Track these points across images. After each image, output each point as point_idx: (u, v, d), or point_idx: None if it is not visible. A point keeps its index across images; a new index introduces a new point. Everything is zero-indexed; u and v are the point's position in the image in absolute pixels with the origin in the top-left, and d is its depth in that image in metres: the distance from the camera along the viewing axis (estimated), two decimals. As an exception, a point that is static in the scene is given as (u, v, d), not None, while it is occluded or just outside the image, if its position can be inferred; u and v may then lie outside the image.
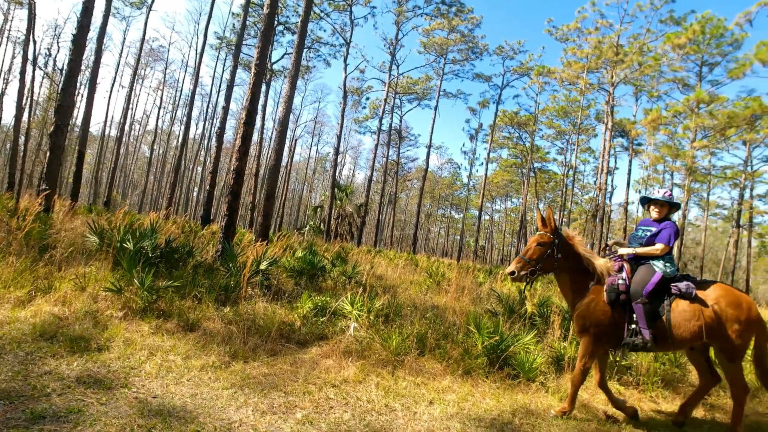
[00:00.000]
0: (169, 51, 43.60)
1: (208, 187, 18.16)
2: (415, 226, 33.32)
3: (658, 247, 3.94)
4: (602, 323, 3.86)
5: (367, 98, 38.66)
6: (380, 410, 3.59)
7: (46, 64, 32.56)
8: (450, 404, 3.91)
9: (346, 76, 29.26)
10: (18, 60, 29.89)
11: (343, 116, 29.13)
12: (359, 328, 5.16)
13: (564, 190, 34.58)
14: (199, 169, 42.14)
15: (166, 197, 25.50)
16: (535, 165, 37.64)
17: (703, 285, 3.92)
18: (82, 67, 16.03)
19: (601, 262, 4.01)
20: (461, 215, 50.29)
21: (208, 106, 40.36)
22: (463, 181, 51.92)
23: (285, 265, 7.33)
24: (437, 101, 33.20)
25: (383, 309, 5.68)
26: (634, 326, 3.77)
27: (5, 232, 6.47)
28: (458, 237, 50.57)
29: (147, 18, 28.93)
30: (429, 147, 33.33)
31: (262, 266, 6.43)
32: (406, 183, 48.47)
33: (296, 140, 44.29)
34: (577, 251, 4.05)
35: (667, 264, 3.93)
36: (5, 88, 36.01)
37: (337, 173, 28.71)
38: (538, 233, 4.08)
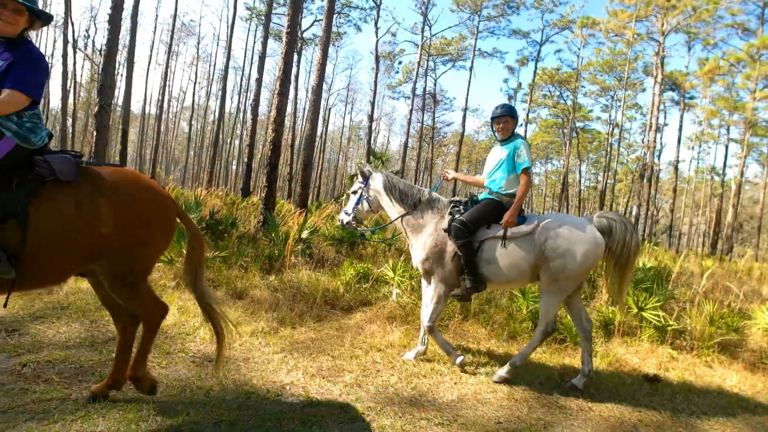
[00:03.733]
0: (200, 25, 44.03)
1: (246, 159, 18.50)
2: (453, 193, 32.98)
3: (15, 97, 2.16)
4: None
5: (400, 62, 37.77)
6: (426, 374, 3.62)
7: (85, 46, 33.46)
8: (496, 368, 3.91)
9: (377, 41, 28.61)
10: (59, 44, 30.90)
11: (375, 82, 28.68)
12: (402, 294, 5.19)
13: (608, 149, 33.05)
14: (237, 142, 42.94)
15: (206, 171, 26.33)
16: (578, 124, 35.97)
17: (96, 167, 2.41)
18: (120, 47, 16.40)
19: None
20: (499, 179, 49.12)
21: (242, 79, 40.69)
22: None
23: (325, 233, 7.42)
24: (472, 61, 32.00)
25: (425, 275, 5.67)
26: None
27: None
28: (496, 202, 49.60)
29: (178, -7, 29.05)
30: (465, 110, 32.41)
31: (304, 235, 6.53)
32: (443, 148, 47.65)
33: (330, 109, 44.18)
34: None
35: (28, 124, 2.25)
36: (50, 73, 37.44)
37: (371, 141, 28.52)
38: None
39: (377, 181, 4.03)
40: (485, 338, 4.60)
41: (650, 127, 25.48)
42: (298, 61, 27.95)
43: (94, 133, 12.57)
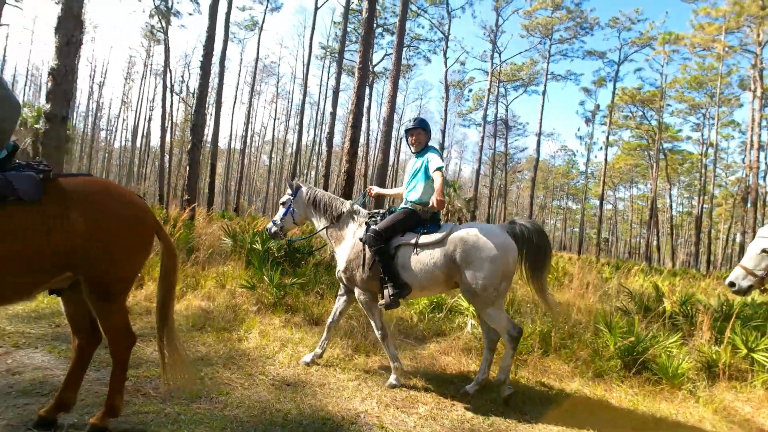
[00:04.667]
0: (279, 66, 47.14)
1: (322, 190, 19.23)
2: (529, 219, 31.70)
3: None
4: None
5: (470, 90, 37.93)
6: (505, 410, 3.45)
7: (180, 91, 37.28)
8: (583, 412, 3.63)
9: (446, 70, 29.02)
10: (159, 89, 34.66)
11: (446, 111, 28.93)
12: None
13: (703, 171, 30.31)
14: (313, 173, 44.92)
15: (285, 201, 27.68)
16: (665, 145, 33.51)
17: (66, 179, 2.30)
18: (209, 89, 18.02)
19: None
20: (579, 206, 46.83)
21: (317, 113, 42.91)
22: (579, 168, 48.20)
23: (398, 261, 7.45)
24: (545, 85, 31.39)
25: (501, 305, 5.47)
26: None
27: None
28: (577, 229, 47.19)
29: (259, 38, 31.57)
30: (539, 135, 31.62)
31: (377, 263, 6.60)
32: (516, 174, 46.47)
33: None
34: None
35: None
36: (151, 115, 42.03)
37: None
38: None
39: (304, 194, 4.23)
40: (569, 376, 4.30)
41: (751, 145, 23.15)
42: (370, 94, 29.04)
43: (187, 168, 13.79)
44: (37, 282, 2.20)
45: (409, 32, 28.92)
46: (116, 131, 51.33)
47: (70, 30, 6.89)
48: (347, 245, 3.93)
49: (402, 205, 3.97)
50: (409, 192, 3.96)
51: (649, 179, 35.05)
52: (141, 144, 44.67)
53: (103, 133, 50.63)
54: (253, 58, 34.57)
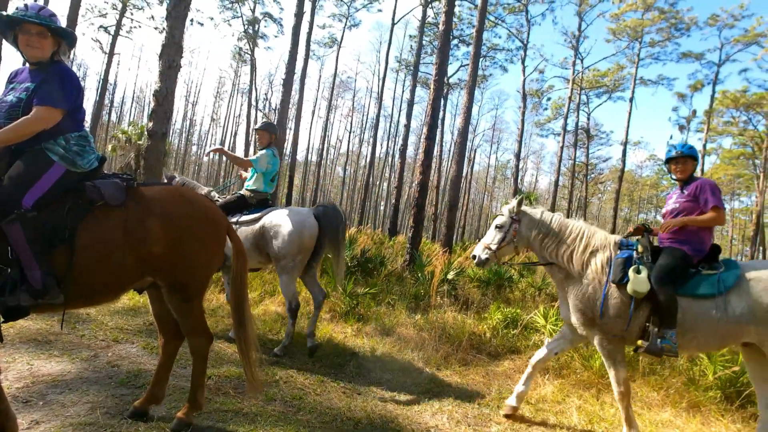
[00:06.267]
0: (356, 81, 48.55)
1: (393, 201, 19.44)
2: (611, 233, 29.65)
3: (43, 112, 2.15)
4: None
5: (548, 99, 36.38)
6: (585, 438, 3.23)
7: (264, 107, 39.66)
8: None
9: (524, 79, 28.17)
10: (245, 107, 37.24)
11: (523, 120, 28.03)
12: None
13: (822, 182, 26.64)
14: (385, 185, 45.57)
15: (357, 212, 28.36)
16: (775, 153, 29.86)
17: (146, 187, 2.48)
18: (290, 105, 18.98)
19: None
20: (669, 219, 42.91)
21: (390, 126, 43.49)
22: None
23: (470, 275, 7.30)
24: (632, 92, 29.26)
25: (581, 324, 5.15)
26: (8, 269, 2.01)
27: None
28: (666, 245, 43.20)
29: (338, 55, 32.71)
30: (625, 144, 29.51)
31: (450, 276, 6.51)
32: (598, 186, 43.80)
33: (475, 150, 44.33)
34: None
35: (75, 147, 2.30)
36: (237, 130, 45.11)
37: (519, 179, 27.63)
38: None
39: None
40: (658, 404, 3.93)
41: None
42: (444, 105, 28.88)
43: (269, 180, 14.49)
44: (122, 283, 2.35)
45: (485, 42, 28.50)
46: (205, 146, 55.58)
47: (171, 55, 7.58)
48: None
49: (239, 192, 4.73)
50: (247, 181, 4.76)
51: (754, 191, 31.41)
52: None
53: (194, 148, 55.08)
54: (331, 74, 35.90)
